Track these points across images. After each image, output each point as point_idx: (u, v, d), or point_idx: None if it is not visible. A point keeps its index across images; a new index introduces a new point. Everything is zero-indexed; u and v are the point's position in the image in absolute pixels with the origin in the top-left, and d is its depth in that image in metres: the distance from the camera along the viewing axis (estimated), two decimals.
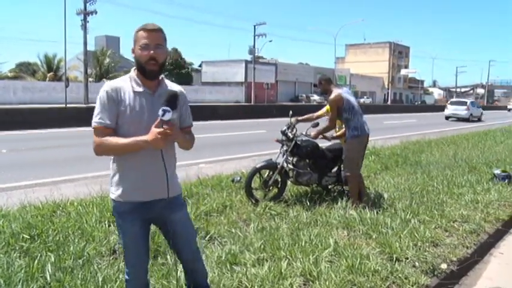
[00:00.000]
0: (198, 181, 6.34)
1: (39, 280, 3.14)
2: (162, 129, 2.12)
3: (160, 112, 2.11)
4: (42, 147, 11.32)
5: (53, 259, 3.44)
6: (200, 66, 56.94)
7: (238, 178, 6.02)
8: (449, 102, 35.77)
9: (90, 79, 36.32)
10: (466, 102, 33.20)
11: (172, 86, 2.43)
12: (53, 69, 42.12)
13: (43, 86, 36.04)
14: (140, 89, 2.30)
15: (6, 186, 6.45)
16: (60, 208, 4.85)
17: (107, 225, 4.29)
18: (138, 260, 2.49)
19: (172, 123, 2.17)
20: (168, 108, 2.12)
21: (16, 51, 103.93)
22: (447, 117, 32.21)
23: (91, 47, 41.10)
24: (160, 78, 2.36)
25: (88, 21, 31.02)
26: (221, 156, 9.99)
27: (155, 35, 2.25)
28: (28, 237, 3.92)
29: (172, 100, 2.20)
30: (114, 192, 2.37)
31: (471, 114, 31.93)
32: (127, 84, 2.32)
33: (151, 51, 2.22)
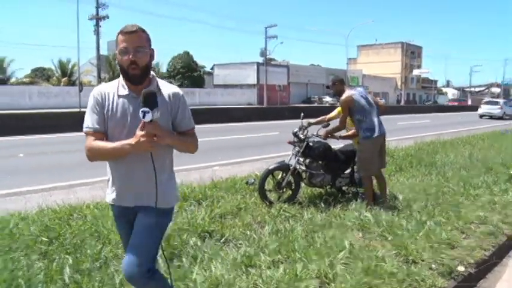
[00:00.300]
0: (212, 184, 6.36)
1: (58, 282, 3.19)
2: (144, 132, 2.05)
3: (140, 114, 2.02)
4: (58, 151, 11.44)
5: (70, 261, 3.49)
6: (212, 69, 57.12)
7: (252, 180, 6.04)
8: (483, 102, 37.31)
9: (103, 83, 36.63)
10: (499, 102, 35.23)
11: (165, 86, 2.31)
12: (67, 74, 42.60)
13: (57, 90, 36.39)
14: (125, 92, 2.23)
15: (24, 190, 6.54)
16: (77, 211, 4.91)
17: None
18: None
19: (156, 124, 2.07)
20: (146, 109, 2.01)
21: (32, 57, 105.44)
22: (481, 116, 33.64)
23: (104, 52, 41.45)
24: (150, 79, 2.27)
25: (100, 26, 31.42)
26: (234, 158, 10.01)
27: (134, 37, 2.14)
28: (46, 239, 3.98)
29: (150, 99, 2.05)
30: (108, 196, 2.41)
31: (504, 113, 33.37)
32: (114, 88, 2.26)
33: (131, 56, 2.12)
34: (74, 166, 8.84)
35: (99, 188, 6.23)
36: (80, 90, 26.14)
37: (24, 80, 42.97)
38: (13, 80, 40.16)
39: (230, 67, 53.17)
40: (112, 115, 2.22)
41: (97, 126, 2.23)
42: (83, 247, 3.84)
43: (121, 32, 2.16)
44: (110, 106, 2.22)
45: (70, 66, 42.83)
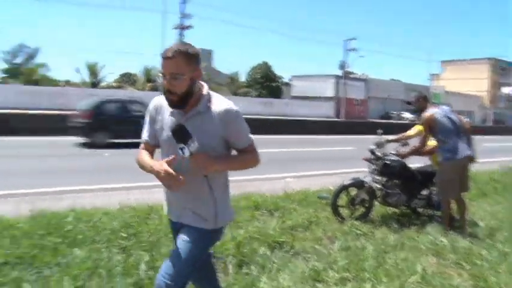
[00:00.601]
0: (284, 195, 6.41)
1: (134, 276, 3.39)
2: (167, 169, 1.98)
3: (179, 152, 1.99)
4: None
5: (147, 258, 3.68)
6: (290, 80, 57.39)
7: (325, 195, 6.00)
8: None
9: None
10: None
11: (216, 103, 2.14)
12: (151, 80, 44.80)
13: (141, 95, 38.36)
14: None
15: (109, 187, 6.99)
16: (154, 211, 5.16)
17: None
18: None
19: (197, 156, 2.00)
20: (182, 145, 1.97)
21: (121, 63, 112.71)
22: None
23: None
24: (198, 97, 2.13)
25: (184, 36, 32.59)
26: (308, 171, 10.00)
27: (170, 63, 2.01)
28: (126, 235, 4.24)
29: (180, 134, 1.98)
30: (163, 205, 2.42)
31: None
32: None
33: (166, 83, 2.03)
34: None
35: None
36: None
37: (113, 84, 45.75)
38: (103, 84, 42.90)
39: (308, 79, 53.07)
40: (160, 130, 2.21)
41: (147, 138, 2.29)
42: (158, 246, 4.03)
43: (161, 55, 2.05)
44: (161, 121, 2.20)
45: (155, 72, 44.99)
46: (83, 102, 14.96)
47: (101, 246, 3.98)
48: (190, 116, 2.11)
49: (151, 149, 2.30)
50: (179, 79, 2.02)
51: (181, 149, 1.98)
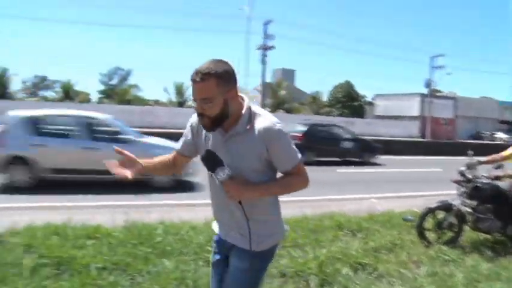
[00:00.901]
0: (368, 216, 6.31)
1: None
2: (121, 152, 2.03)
3: (215, 177, 1.93)
4: None
5: None
6: (373, 98, 56.28)
7: (410, 217, 5.81)
8: None
9: (267, 109, 38.85)
10: None
11: (258, 121, 1.96)
12: None
13: None
14: None
15: (195, 203, 7.29)
16: None
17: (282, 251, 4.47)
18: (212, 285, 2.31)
19: (227, 183, 1.89)
20: (217, 171, 1.90)
21: None
22: None
23: (268, 80, 43.96)
24: (237, 116, 1.97)
25: (266, 56, 33.25)
26: (392, 192, 9.73)
27: (198, 86, 1.86)
28: (211, 249, 4.39)
29: (209, 161, 1.92)
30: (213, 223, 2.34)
31: None
32: None
33: (197, 106, 1.90)
34: None
35: None
36: None
37: None
38: (189, 103, 44.96)
39: (392, 98, 51.67)
40: (200, 146, 2.10)
41: (178, 147, 2.24)
42: None
43: (191, 78, 1.89)
44: (202, 137, 2.10)
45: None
46: (297, 126, 16.71)
47: (188, 258, 4.18)
48: (229, 136, 1.97)
49: (182, 159, 2.26)
50: (209, 103, 1.87)
51: (216, 174, 1.91)
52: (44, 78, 50.64)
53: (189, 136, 2.17)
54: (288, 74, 66.44)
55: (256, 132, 1.93)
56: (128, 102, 40.40)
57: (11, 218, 5.39)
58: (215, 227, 2.27)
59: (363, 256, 4.47)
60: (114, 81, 49.16)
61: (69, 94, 45.28)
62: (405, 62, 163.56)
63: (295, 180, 2.03)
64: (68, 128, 8.91)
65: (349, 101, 50.58)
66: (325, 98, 52.55)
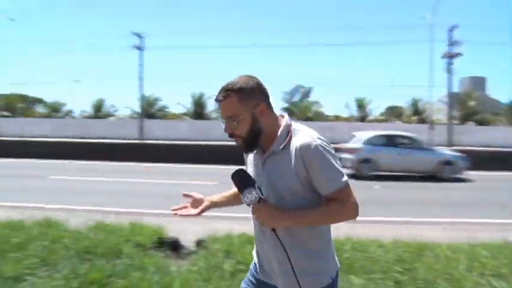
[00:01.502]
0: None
1: None
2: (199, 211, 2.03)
3: (243, 199, 1.73)
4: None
5: None
6: None
7: None
8: None
9: (454, 121, 36.02)
10: None
11: (297, 138, 1.76)
12: (418, 112, 44.02)
13: (408, 128, 37.99)
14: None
15: (384, 220, 7.17)
16: (428, 248, 5.06)
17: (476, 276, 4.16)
18: None
19: (256, 207, 1.68)
20: (244, 192, 1.70)
21: (388, 97, 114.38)
22: None
23: (455, 89, 40.79)
24: (274, 135, 1.81)
25: (452, 64, 31.01)
26: None
27: (223, 105, 1.75)
28: (401, 269, 4.30)
29: (239, 180, 1.73)
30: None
31: None
32: None
33: (226, 127, 1.78)
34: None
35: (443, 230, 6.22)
36: (431, 129, 26.55)
37: (379, 117, 46.80)
38: (370, 117, 44.48)
39: None
40: (248, 164, 1.98)
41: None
42: (433, 285, 3.94)
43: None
44: (249, 157, 1.99)
45: (422, 104, 44.09)
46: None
47: (377, 277, 4.14)
48: (267, 156, 1.81)
49: None
50: (236, 121, 1.74)
51: (243, 196, 1.71)
52: None
53: (246, 162, 2.04)
54: (478, 82, 60.75)
55: (293, 149, 1.74)
56: (309, 118, 41.78)
57: (210, 225, 5.92)
58: (254, 255, 2.06)
59: None
60: (296, 99, 51.54)
61: None
62: None
63: (338, 209, 1.72)
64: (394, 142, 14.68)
65: None
66: None
